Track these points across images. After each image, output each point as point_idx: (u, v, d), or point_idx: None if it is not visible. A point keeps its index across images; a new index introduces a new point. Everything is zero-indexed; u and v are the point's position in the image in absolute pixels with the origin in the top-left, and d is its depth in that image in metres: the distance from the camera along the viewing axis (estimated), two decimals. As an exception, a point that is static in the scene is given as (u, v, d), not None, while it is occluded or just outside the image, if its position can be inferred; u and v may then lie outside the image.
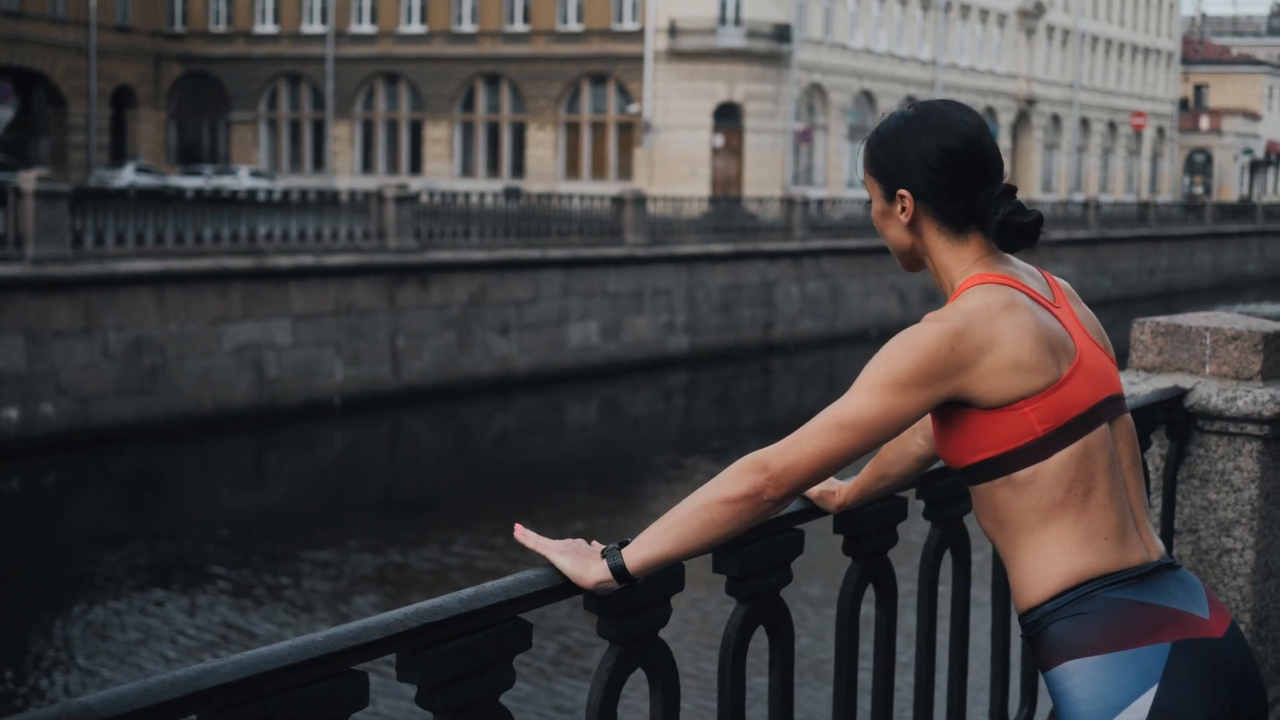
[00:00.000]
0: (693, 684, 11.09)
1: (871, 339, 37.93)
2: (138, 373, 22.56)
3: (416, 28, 58.94)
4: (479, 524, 18.81)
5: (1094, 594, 2.44)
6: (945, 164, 2.49)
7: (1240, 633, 2.53)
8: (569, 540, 2.47)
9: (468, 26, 58.04)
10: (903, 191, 2.54)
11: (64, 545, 18.28)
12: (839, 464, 2.42)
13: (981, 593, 3.64)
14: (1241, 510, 4.33)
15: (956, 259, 2.55)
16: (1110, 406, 2.54)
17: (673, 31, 53.33)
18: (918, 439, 2.86)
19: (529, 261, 29.32)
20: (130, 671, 12.97)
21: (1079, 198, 65.85)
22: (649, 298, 32.07)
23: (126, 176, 50.75)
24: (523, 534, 2.48)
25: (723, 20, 53.17)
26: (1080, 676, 2.41)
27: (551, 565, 2.42)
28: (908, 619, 3.56)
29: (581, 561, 2.40)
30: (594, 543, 2.50)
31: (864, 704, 3.11)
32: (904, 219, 2.56)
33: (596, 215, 33.09)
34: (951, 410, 2.47)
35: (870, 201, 2.64)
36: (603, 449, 26.67)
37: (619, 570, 2.38)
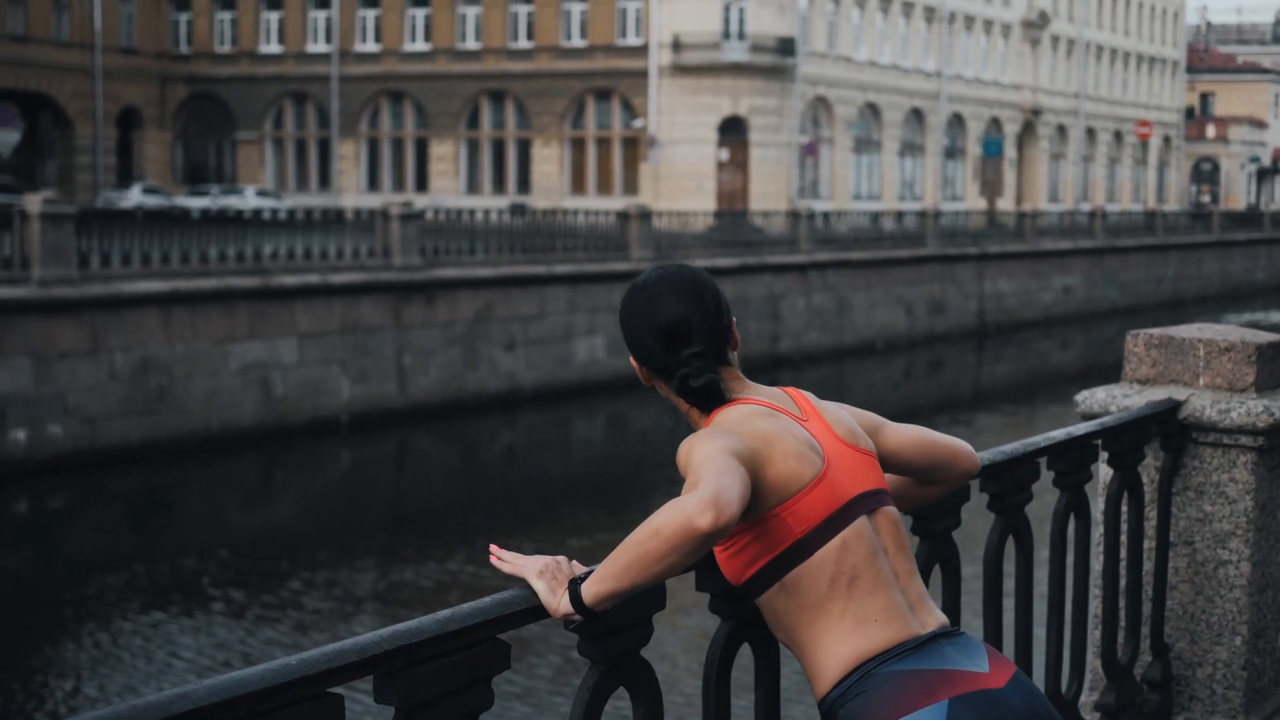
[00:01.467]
0: (679, 701, 11.05)
1: (878, 351, 37.92)
2: (144, 393, 22.58)
3: (420, 46, 59.04)
4: (485, 541, 18.73)
5: (871, 673, 2.60)
6: (651, 339, 2.76)
7: (1025, 680, 2.67)
8: (548, 560, 2.49)
9: (471, 44, 58.13)
10: (632, 358, 2.81)
11: (71, 566, 18.29)
12: (745, 492, 2.47)
13: (972, 604, 3.63)
14: (1237, 522, 4.32)
15: (688, 405, 2.78)
16: (866, 501, 2.70)
17: (676, 46, 53.38)
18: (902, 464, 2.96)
19: (534, 277, 29.33)
20: (131, 693, 12.97)
21: (1085, 208, 65.83)
22: (655, 313, 32.00)
23: (133, 197, 50.87)
24: (498, 560, 2.53)
25: (726, 34, 53.22)
26: None
27: (528, 586, 2.44)
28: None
29: (555, 589, 2.45)
30: (574, 563, 2.51)
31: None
32: (643, 379, 2.84)
33: (602, 230, 33.11)
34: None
35: None
36: (610, 464, 26.66)
37: (578, 604, 2.44)
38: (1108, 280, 50.93)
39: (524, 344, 28.94)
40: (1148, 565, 4.38)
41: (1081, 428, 4.00)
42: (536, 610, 2.42)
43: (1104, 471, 4.24)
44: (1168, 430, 4.31)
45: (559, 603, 2.43)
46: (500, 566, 2.53)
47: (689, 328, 2.73)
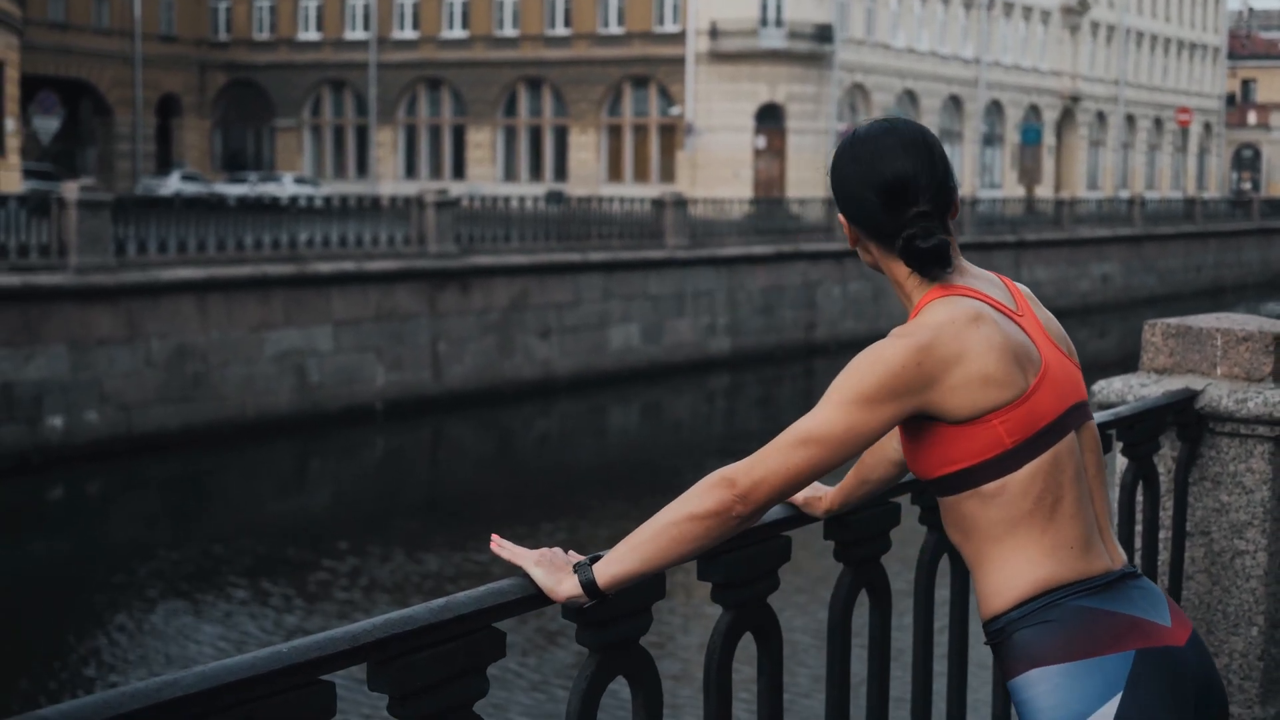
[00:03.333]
0: (684, 691, 11.04)
1: (915, 339, 37.78)
2: (180, 380, 22.70)
3: (458, 33, 59.12)
4: (520, 529, 18.82)
5: (1059, 602, 2.46)
6: (872, 194, 2.56)
7: (1201, 641, 2.55)
8: (545, 549, 2.49)
9: (509, 31, 58.17)
10: (841, 217, 2.65)
11: (106, 552, 18.41)
12: (806, 479, 2.43)
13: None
14: (1254, 512, 4.30)
15: (907, 273, 2.58)
16: (1077, 414, 2.56)
17: (714, 33, 53.30)
18: (895, 444, 2.85)
19: (570, 265, 29.35)
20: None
21: (1124, 195, 65.46)
22: (690, 300, 32.06)
23: (172, 184, 51.14)
24: (498, 546, 2.51)
25: (764, 21, 53.12)
26: (1045, 684, 2.43)
27: (526, 575, 2.44)
28: (903, 626, 3.54)
29: (555, 574, 2.42)
30: (570, 552, 2.51)
31: (858, 714, 3.09)
32: (850, 240, 2.66)
33: (637, 218, 33.10)
34: (920, 423, 2.49)
35: None
36: (645, 452, 26.67)
37: (589, 585, 2.40)
38: (1146, 268, 50.65)
39: (559, 332, 28.97)
40: (1163, 555, 4.37)
41: (1095, 417, 3.98)
42: (532, 599, 2.42)
43: (1119, 461, 4.23)
44: (1184, 420, 4.29)
45: (560, 586, 2.40)
46: (500, 553, 2.53)
47: (916, 185, 2.53)
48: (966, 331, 2.46)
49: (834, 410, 2.44)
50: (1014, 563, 2.49)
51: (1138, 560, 4.28)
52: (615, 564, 2.40)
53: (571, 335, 29.25)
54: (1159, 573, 4.34)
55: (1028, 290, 2.68)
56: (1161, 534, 4.35)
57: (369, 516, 20.56)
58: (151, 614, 15.45)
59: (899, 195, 2.53)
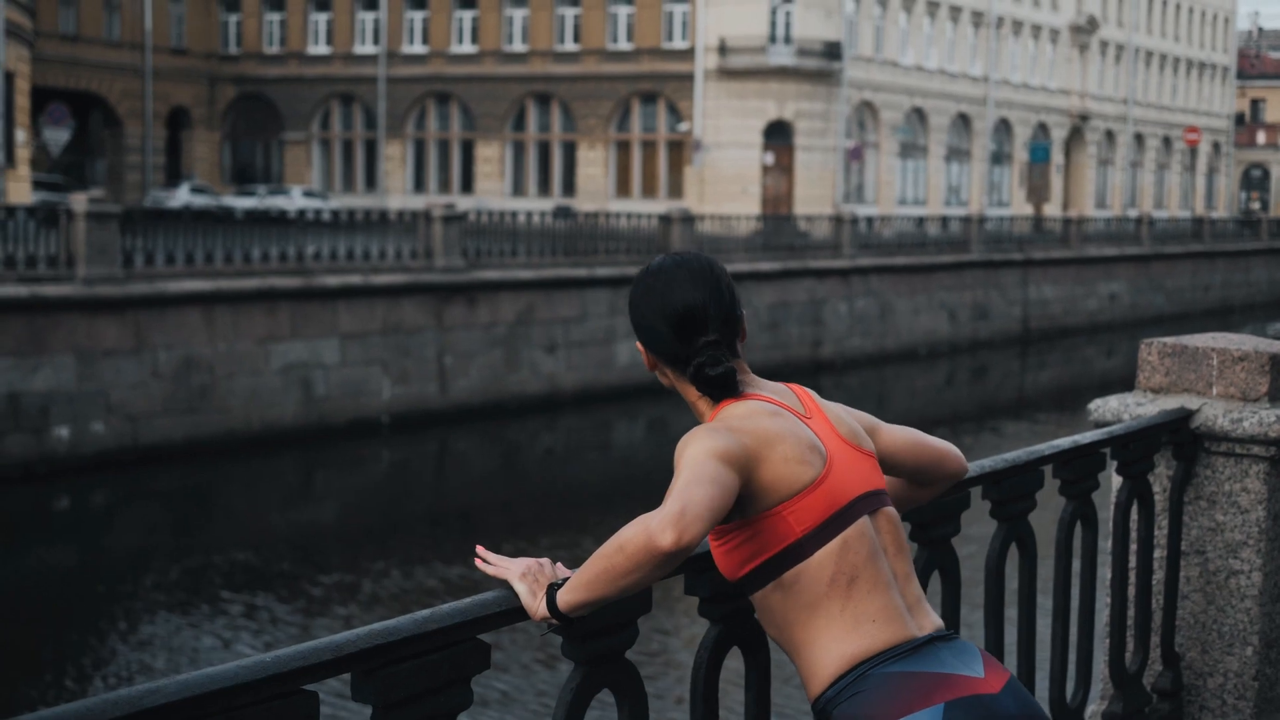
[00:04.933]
0: (675, 705, 11.03)
1: (920, 357, 37.79)
2: (187, 392, 22.73)
3: (468, 48, 59.20)
4: (523, 543, 18.84)
5: (867, 673, 2.59)
6: (664, 324, 2.74)
7: (1020, 686, 2.67)
8: (532, 562, 2.51)
9: (518, 46, 58.25)
10: (638, 344, 2.80)
11: (111, 562, 18.43)
12: (719, 504, 2.47)
13: (970, 614, 3.63)
14: (1249, 532, 4.31)
15: (698, 395, 2.76)
16: (868, 501, 2.69)
17: (723, 50, 53.35)
18: (899, 464, 2.99)
19: (576, 280, 29.37)
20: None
21: (1133, 214, 65.39)
22: (697, 316, 32.01)
23: (182, 197, 51.22)
24: (482, 562, 2.54)
25: (773, 38, 53.16)
26: None
27: (511, 588, 2.46)
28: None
29: (535, 591, 2.48)
30: (558, 565, 2.54)
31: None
32: (648, 365, 2.82)
33: (645, 233, 33.11)
34: (722, 529, 2.62)
35: None
36: (648, 468, 26.63)
37: (554, 608, 2.46)
38: (1154, 287, 50.60)
39: (565, 346, 28.99)
40: (1158, 574, 4.37)
41: (1089, 436, 4.00)
42: (517, 612, 2.44)
43: (1114, 480, 4.24)
44: (1180, 439, 4.30)
45: (539, 605, 2.45)
46: (484, 569, 2.56)
47: (705, 315, 2.71)
48: (767, 420, 2.64)
49: (704, 455, 2.52)
50: (821, 644, 2.62)
51: (1132, 579, 4.29)
52: (568, 592, 2.46)
53: (578, 350, 29.27)
54: (1154, 592, 4.35)
55: (818, 395, 2.84)
56: (1156, 553, 4.35)
57: (373, 529, 20.58)
58: (151, 624, 15.46)
59: (689, 325, 2.72)
